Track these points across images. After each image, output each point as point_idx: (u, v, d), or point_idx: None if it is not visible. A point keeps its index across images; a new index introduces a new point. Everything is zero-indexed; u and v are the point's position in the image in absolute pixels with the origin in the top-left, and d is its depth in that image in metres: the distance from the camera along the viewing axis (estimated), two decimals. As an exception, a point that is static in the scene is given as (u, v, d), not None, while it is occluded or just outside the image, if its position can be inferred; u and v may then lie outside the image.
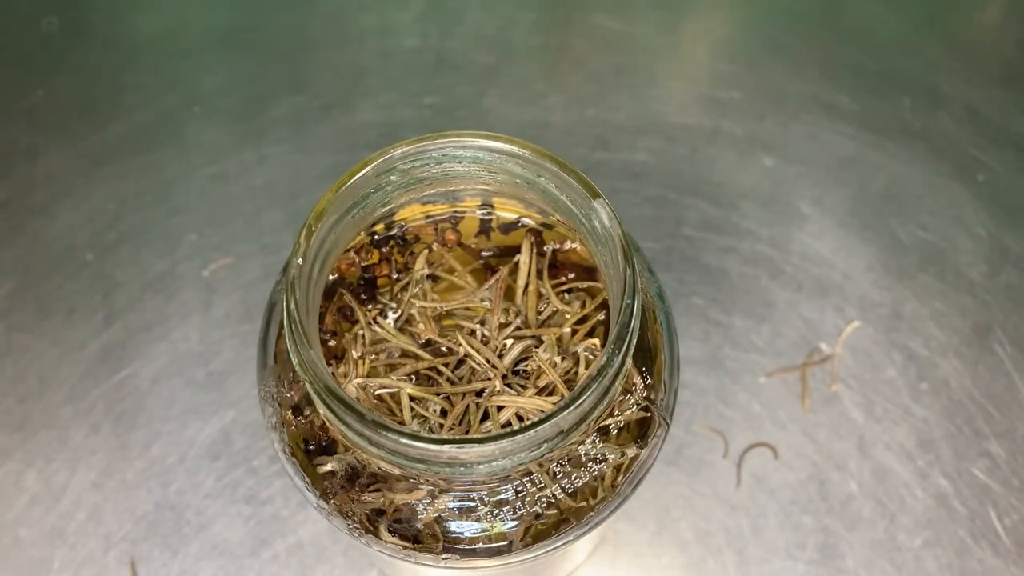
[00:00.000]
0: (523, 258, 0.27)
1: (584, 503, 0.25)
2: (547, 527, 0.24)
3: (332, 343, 0.26)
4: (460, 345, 0.25)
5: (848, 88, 0.48)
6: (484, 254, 0.28)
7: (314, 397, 0.22)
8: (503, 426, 0.24)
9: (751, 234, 0.44)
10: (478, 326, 0.26)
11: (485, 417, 0.25)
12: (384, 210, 0.26)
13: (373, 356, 0.26)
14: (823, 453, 0.40)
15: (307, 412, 0.25)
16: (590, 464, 0.24)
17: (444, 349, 0.26)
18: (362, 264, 0.27)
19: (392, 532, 0.24)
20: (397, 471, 0.24)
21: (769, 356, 0.41)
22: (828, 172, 0.46)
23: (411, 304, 0.26)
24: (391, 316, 0.26)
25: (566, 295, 0.27)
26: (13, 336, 0.42)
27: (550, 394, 0.25)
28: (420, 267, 0.27)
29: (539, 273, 0.27)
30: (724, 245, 0.44)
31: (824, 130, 0.47)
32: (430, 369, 0.26)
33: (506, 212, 0.28)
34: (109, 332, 0.42)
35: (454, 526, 0.24)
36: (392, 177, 0.25)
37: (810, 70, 0.49)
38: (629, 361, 0.23)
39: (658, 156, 0.45)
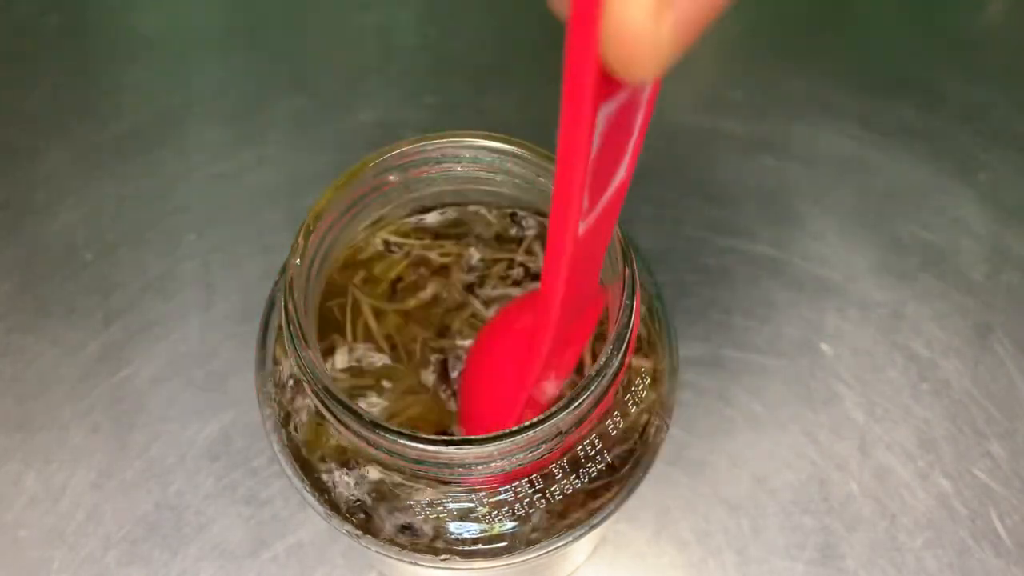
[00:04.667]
0: None
1: (583, 504, 0.25)
2: (546, 528, 0.24)
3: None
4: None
5: (848, 88, 0.48)
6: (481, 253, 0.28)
7: (312, 397, 0.22)
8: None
9: (751, 234, 0.44)
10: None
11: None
12: (383, 210, 0.26)
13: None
14: (823, 453, 0.40)
15: (306, 412, 0.25)
16: (589, 465, 0.24)
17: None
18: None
19: (391, 533, 0.24)
20: (395, 471, 0.24)
21: (770, 356, 0.41)
22: (828, 172, 0.46)
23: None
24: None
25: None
26: (13, 336, 0.42)
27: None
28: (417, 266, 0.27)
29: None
30: (724, 245, 0.44)
31: (824, 130, 0.47)
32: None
33: (505, 212, 0.28)
34: (109, 332, 0.42)
35: (453, 527, 0.24)
36: (391, 177, 0.25)
37: (811, 70, 0.49)
38: (628, 361, 0.23)
39: (658, 156, 0.45)
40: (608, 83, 0.13)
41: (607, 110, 0.14)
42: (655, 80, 0.14)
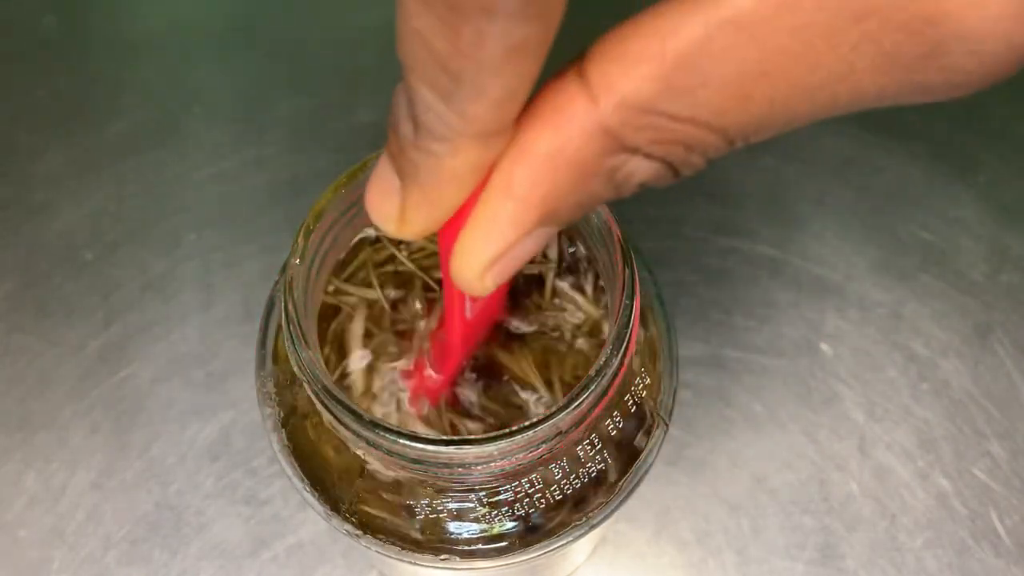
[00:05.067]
0: None
1: (583, 504, 0.25)
2: (546, 528, 0.24)
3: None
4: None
5: (849, 88, 0.48)
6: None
7: (312, 398, 0.22)
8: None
9: (751, 234, 0.44)
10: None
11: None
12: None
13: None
14: (823, 453, 0.40)
15: (305, 412, 0.25)
16: (589, 465, 0.24)
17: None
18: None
19: (391, 533, 0.24)
20: (395, 471, 0.24)
21: (770, 356, 0.41)
22: (829, 172, 0.46)
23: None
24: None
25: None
26: (13, 336, 0.42)
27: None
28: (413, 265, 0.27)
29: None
30: (724, 245, 0.44)
31: (825, 130, 0.47)
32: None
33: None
34: (109, 332, 0.42)
35: (453, 527, 0.24)
36: (391, 177, 0.25)
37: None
38: (628, 361, 0.23)
39: (658, 156, 0.45)
40: None
41: None
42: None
